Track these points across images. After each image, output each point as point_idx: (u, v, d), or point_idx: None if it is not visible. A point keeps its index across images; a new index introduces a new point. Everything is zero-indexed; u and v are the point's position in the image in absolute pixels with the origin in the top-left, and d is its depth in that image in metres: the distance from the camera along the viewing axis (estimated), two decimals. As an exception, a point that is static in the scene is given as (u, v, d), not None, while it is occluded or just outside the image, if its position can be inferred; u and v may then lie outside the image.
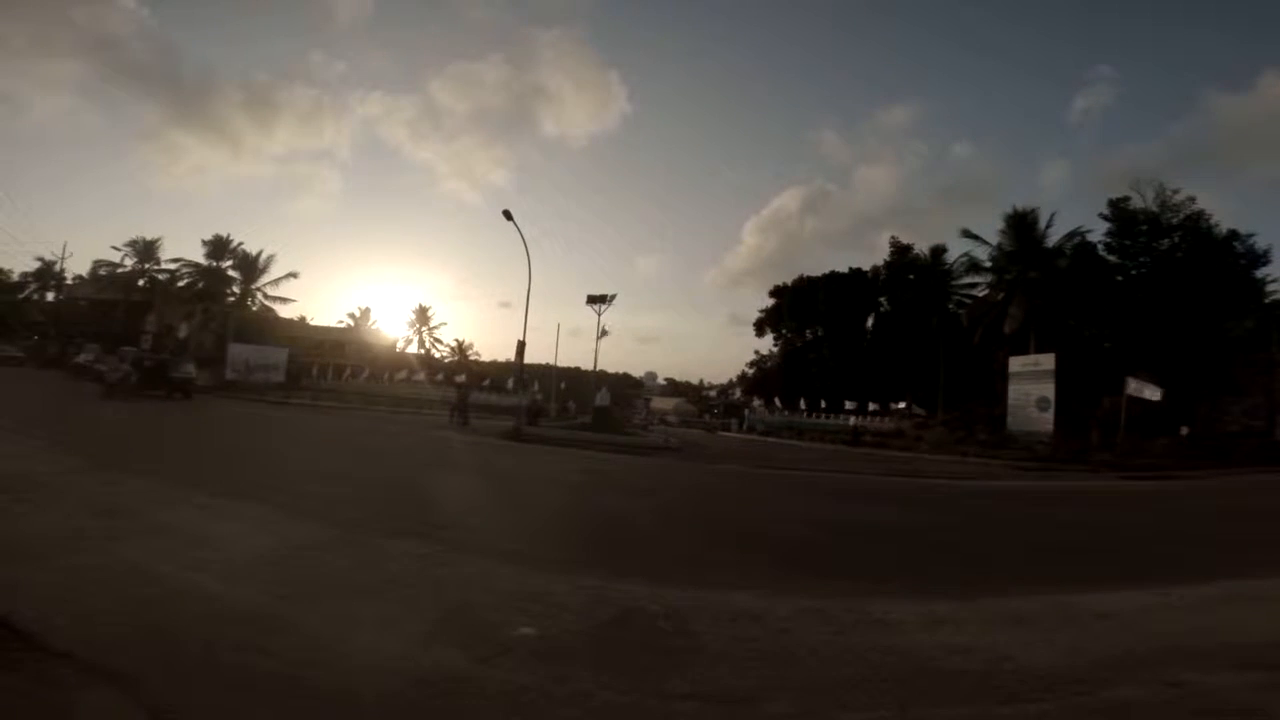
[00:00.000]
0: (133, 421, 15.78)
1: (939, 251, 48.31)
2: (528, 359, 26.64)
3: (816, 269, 71.23)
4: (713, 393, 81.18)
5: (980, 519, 11.00)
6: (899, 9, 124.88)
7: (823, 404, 47.79)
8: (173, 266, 53.33)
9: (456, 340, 74.17)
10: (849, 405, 45.14)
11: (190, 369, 26.24)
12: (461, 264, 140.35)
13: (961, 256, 43.84)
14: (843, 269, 56.63)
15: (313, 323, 59.60)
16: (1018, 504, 13.03)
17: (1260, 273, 34.03)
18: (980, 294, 42.76)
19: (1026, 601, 4.80)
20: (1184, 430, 26.73)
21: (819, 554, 7.10)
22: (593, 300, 31.49)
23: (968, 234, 40.27)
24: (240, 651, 3.07)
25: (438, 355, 69.65)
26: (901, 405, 45.35)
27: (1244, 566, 6.28)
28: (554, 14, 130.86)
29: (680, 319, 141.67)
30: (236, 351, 37.88)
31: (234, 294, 53.03)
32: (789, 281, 59.96)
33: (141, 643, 3.09)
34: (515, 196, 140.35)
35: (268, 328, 47.76)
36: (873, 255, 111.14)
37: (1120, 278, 36.01)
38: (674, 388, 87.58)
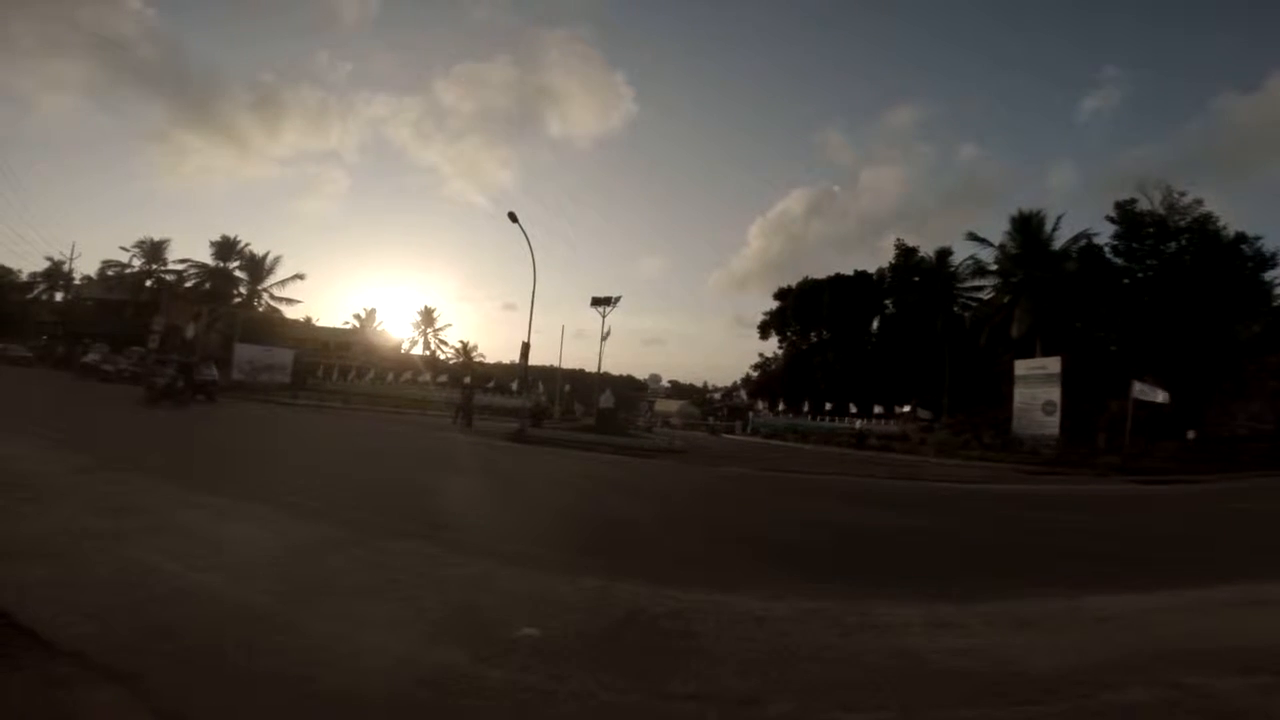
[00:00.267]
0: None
1: (944, 254, 48.32)
2: (532, 361, 26.71)
3: (821, 271, 71.11)
4: (717, 395, 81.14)
5: (984, 522, 10.96)
6: (905, 10, 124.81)
7: (827, 407, 47.67)
8: (180, 267, 53.87)
9: (461, 342, 74.42)
10: (853, 408, 45.06)
11: (213, 372, 26.34)
12: (466, 265, 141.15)
13: (967, 259, 43.86)
14: (848, 271, 56.64)
15: (318, 324, 59.93)
16: (1022, 507, 12.97)
17: (1268, 275, 33.93)
18: (986, 297, 42.69)
19: (1030, 604, 4.79)
20: (1191, 434, 26.59)
21: (822, 556, 7.09)
22: (597, 302, 31.48)
23: (973, 237, 40.29)
24: (246, 651, 3.09)
25: (442, 357, 69.83)
26: (906, 408, 45.23)
27: (1249, 570, 6.26)
28: (560, 15, 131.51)
29: (685, 321, 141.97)
30: (242, 352, 38.07)
31: (240, 295, 53.43)
32: (793, 284, 60.00)
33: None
34: (520, 198, 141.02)
35: (274, 328, 48.05)
36: (878, 258, 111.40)
37: (1127, 281, 35.87)
38: (678, 390, 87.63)
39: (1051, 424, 29.84)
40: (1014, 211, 38.06)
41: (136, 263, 52.82)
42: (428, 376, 47.67)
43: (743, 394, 67.82)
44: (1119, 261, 36.45)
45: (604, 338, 31.60)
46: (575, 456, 17.27)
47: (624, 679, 3.08)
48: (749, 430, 49.78)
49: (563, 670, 3.13)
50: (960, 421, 36.57)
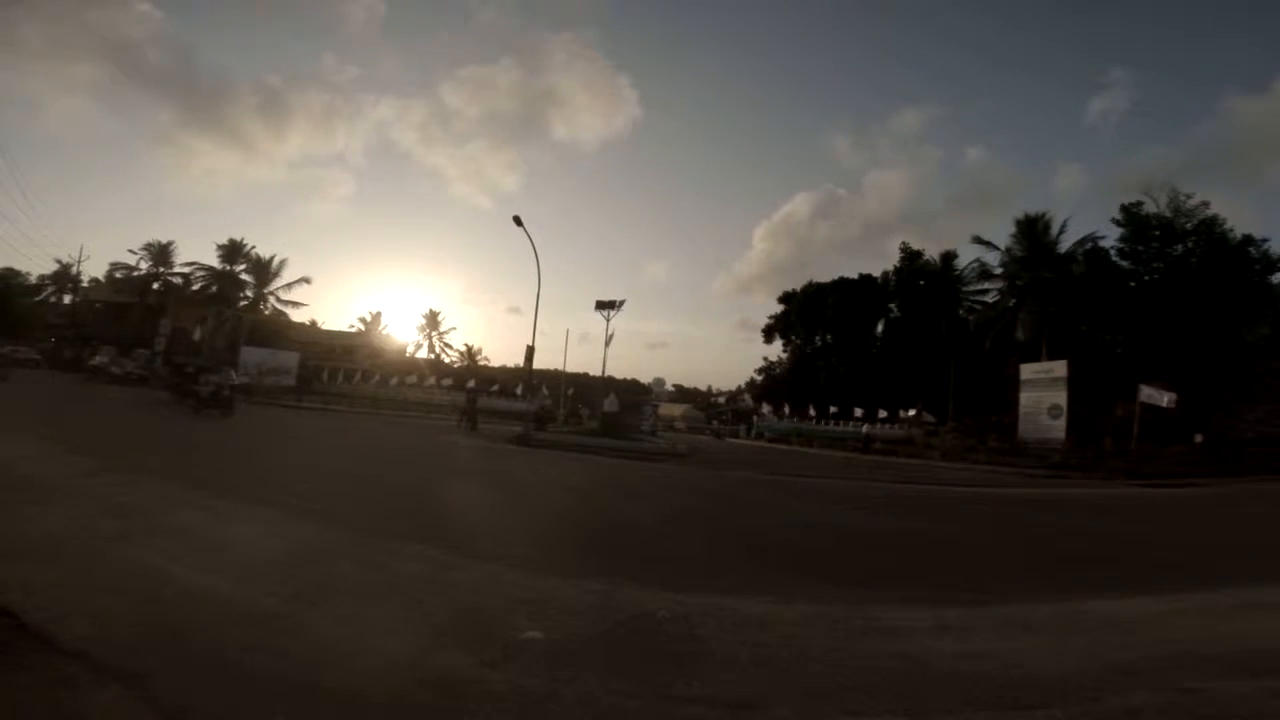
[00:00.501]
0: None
1: (950, 257, 48.21)
2: (537, 364, 26.74)
3: (827, 274, 71.20)
4: (721, 399, 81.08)
5: (988, 526, 10.93)
6: (911, 13, 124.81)
7: (832, 411, 47.59)
8: (186, 270, 54.14)
9: (466, 345, 74.56)
10: (858, 412, 44.94)
11: (232, 375, 26.18)
12: (471, 269, 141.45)
13: (973, 262, 43.75)
14: (853, 275, 56.48)
15: (324, 327, 60.13)
16: (1028, 511, 12.92)
17: (1276, 278, 33.72)
18: (991, 300, 42.57)
19: (1036, 608, 4.77)
20: (1198, 437, 26.43)
21: (826, 560, 7.07)
22: (602, 306, 31.54)
23: (979, 240, 40.19)
24: (250, 653, 3.10)
25: (447, 360, 69.96)
26: (911, 412, 45.09)
27: (1255, 574, 6.22)
28: (564, 18, 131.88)
29: (689, 325, 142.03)
30: (248, 355, 38.23)
31: (247, 298, 53.66)
32: (798, 288, 59.95)
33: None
34: (525, 201, 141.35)
35: (279, 331, 48.25)
36: (883, 261, 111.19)
37: (1133, 284, 35.73)
38: (682, 394, 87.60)
39: (1057, 428, 29.71)
40: (1020, 214, 38.06)
41: (144, 265, 53.22)
42: (432, 380, 47.71)
43: (747, 398, 67.72)
44: (1125, 264, 36.33)
45: (608, 341, 31.65)
46: (579, 460, 17.27)
47: (628, 682, 3.07)
48: (753, 434, 49.75)
49: (566, 673, 3.12)
50: (966, 425, 36.41)
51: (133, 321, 48.24)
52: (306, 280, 55.64)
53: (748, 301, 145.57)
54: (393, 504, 8.28)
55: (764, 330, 62.42)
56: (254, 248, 54.49)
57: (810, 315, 56.88)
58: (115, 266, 53.60)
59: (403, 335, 68.67)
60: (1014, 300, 37.53)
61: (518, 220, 23.54)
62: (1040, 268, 36.06)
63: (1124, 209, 36.35)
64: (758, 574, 5.85)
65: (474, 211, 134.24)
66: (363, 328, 64.49)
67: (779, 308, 61.10)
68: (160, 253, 53.41)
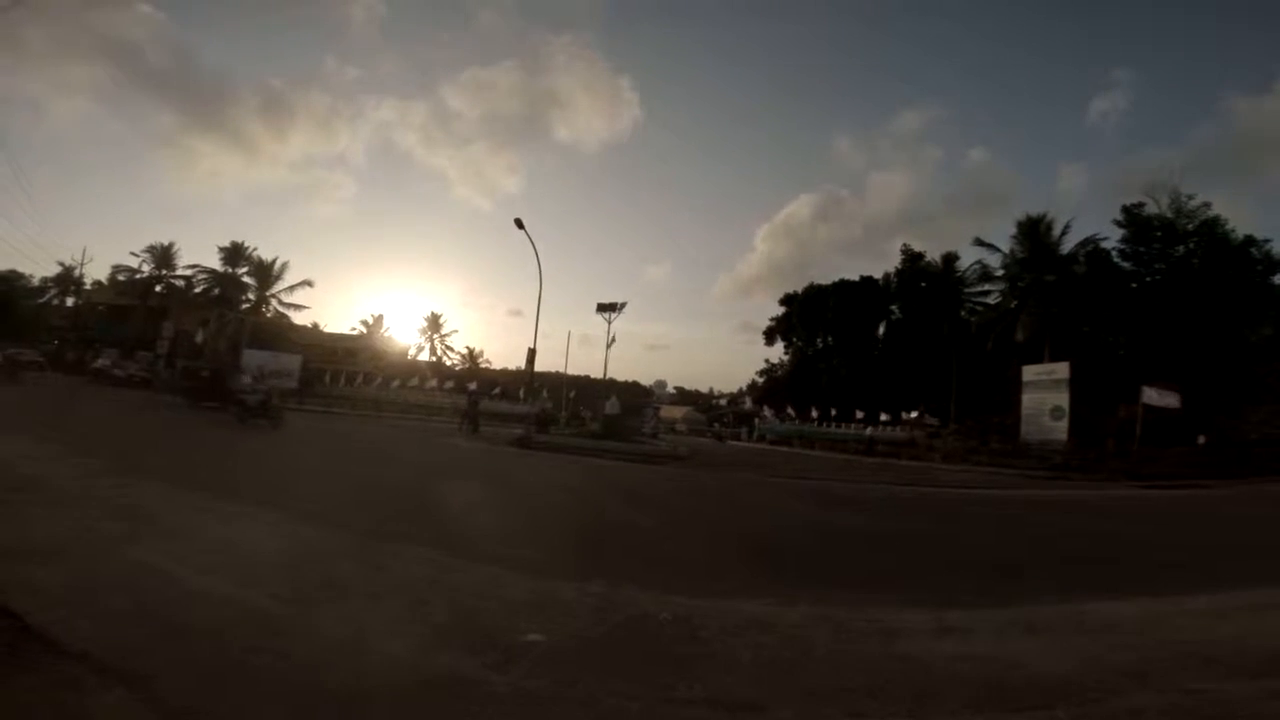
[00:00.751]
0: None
1: (951, 259, 48.18)
2: (538, 367, 26.79)
3: (828, 276, 71.25)
4: (723, 401, 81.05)
5: (991, 528, 10.91)
6: (912, 13, 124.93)
7: (834, 413, 47.53)
8: (189, 272, 54.21)
9: (467, 348, 74.59)
10: (860, 414, 44.90)
11: (247, 380, 25.96)
12: (472, 271, 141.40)
13: (974, 264, 43.75)
14: (854, 276, 56.49)
15: (326, 329, 60.19)
16: (1030, 513, 12.90)
17: (1278, 279, 33.67)
18: (993, 302, 42.57)
19: (1038, 610, 4.77)
20: (1202, 439, 26.37)
21: (828, 562, 7.07)
22: (603, 308, 31.60)
23: (980, 242, 40.23)
24: (254, 654, 3.11)
25: (449, 363, 69.99)
26: (913, 414, 45.06)
27: (1258, 575, 6.21)
28: (565, 20, 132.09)
29: (690, 327, 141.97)
30: (250, 358, 38.26)
31: (249, 300, 53.71)
32: (799, 290, 59.95)
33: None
34: (526, 203, 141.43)
35: (281, 334, 48.25)
36: (885, 262, 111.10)
37: (1135, 285, 35.72)
38: (683, 396, 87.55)
39: (1060, 429, 29.65)
40: (1022, 215, 38.03)
41: (146, 268, 53.24)
42: (434, 383, 47.73)
43: (748, 400, 67.68)
44: (1127, 265, 36.33)
45: (610, 344, 31.69)
46: (581, 463, 17.27)
47: (629, 684, 3.08)
48: (755, 436, 49.66)
49: (568, 675, 3.13)
50: (968, 427, 36.37)
51: (135, 324, 48.32)
52: (309, 283, 55.73)
53: (749, 303, 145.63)
54: (395, 506, 8.28)
55: (765, 332, 62.45)
56: (255, 250, 54.61)
57: (811, 317, 56.88)
58: (118, 269, 53.70)
59: (404, 338, 68.78)
60: (1016, 302, 37.51)
61: (519, 223, 23.62)
62: (1042, 269, 36.04)
63: (1125, 210, 36.38)
64: (759, 576, 5.84)
65: (475, 214, 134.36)
66: (365, 330, 64.58)
67: (780, 310, 61.14)
68: (162, 255, 53.47)
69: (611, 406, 29.03)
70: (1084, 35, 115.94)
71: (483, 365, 72.23)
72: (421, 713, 2.73)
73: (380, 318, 66.71)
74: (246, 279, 54.47)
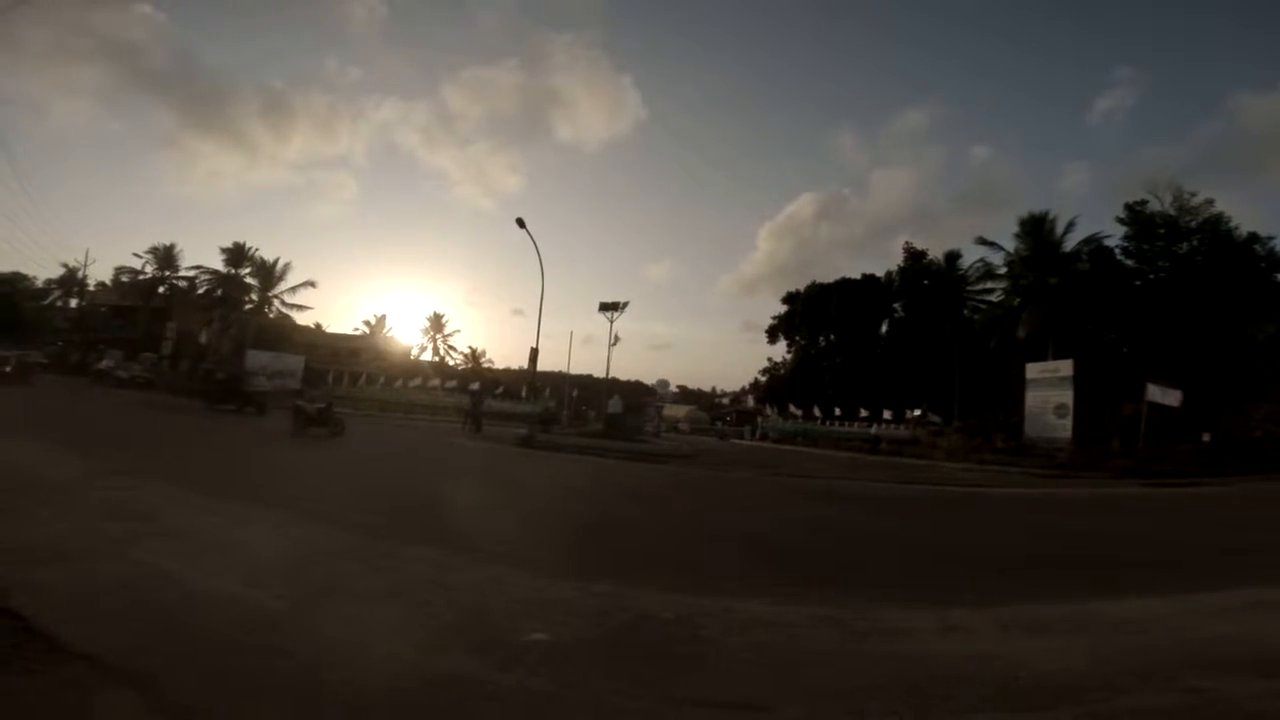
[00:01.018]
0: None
1: (953, 257, 48.09)
2: (540, 366, 26.82)
3: (831, 275, 71.11)
4: (725, 400, 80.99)
5: (996, 526, 10.89)
6: (914, 11, 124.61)
7: (837, 411, 47.45)
8: (191, 273, 54.36)
9: (470, 347, 74.65)
10: (863, 413, 44.83)
11: (263, 382, 25.81)
12: (475, 271, 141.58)
13: (977, 262, 43.65)
14: (857, 275, 56.34)
15: (328, 330, 60.30)
16: (1034, 512, 12.86)
17: (1282, 276, 33.55)
18: (996, 299, 42.47)
19: (1043, 609, 4.75)
20: (1206, 436, 26.29)
21: (831, 561, 7.06)
22: (605, 307, 31.60)
23: (982, 241, 40.13)
24: (258, 654, 3.11)
25: (451, 363, 70.04)
26: (916, 413, 44.93)
27: (1265, 573, 6.19)
28: (566, 18, 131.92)
29: (693, 326, 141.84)
30: (254, 359, 38.35)
31: (252, 301, 53.82)
32: (802, 288, 59.85)
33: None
34: (528, 202, 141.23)
35: (284, 335, 48.39)
36: (887, 261, 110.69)
37: (1139, 282, 35.61)
38: (686, 395, 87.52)
39: (1064, 427, 29.56)
40: (1025, 213, 37.93)
41: (149, 269, 53.42)
42: (437, 382, 47.77)
43: (751, 399, 67.62)
44: (1130, 263, 36.21)
45: (612, 343, 31.68)
46: (584, 462, 17.28)
47: (632, 684, 3.08)
48: (758, 435, 49.58)
49: (571, 675, 3.13)
50: (971, 425, 36.24)
51: (139, 325, 48.50)
52: (311, 284, 55.82)
53: (751, 302, 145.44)
54: (397, 506, 8.29)
55: (768, 331, 62.32)
56: (258, 250, 54.70)
57: (814, 316, 56.79)
58: (121, 270, 53.89)
59: (407, 338, 68.89)
60: (1019, 299, 37.41)
61: (520, 222, 23.66)
62: (1045, 267, 35.94)
63: (1128, 208, 36.26)
64: (762, 575, 5.84)
65: (477, 213, 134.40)
66: (367, 331, 64.68)
67: (783, 308, 61.02)
68: (165, 256, 53.65)
69: (614, 406, 29.03)
70: (1087, 32, 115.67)
71: (485, 365, 72.24)
72: (424, 711, 2.73)
73: (383, 318, 66.87)
74: (249, 280, 54.57)
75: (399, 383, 45.32)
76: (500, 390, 46.72)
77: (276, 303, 55.17)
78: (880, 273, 55.48)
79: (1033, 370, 32.09)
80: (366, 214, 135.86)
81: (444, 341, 71.37)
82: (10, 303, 49.49)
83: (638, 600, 4.48)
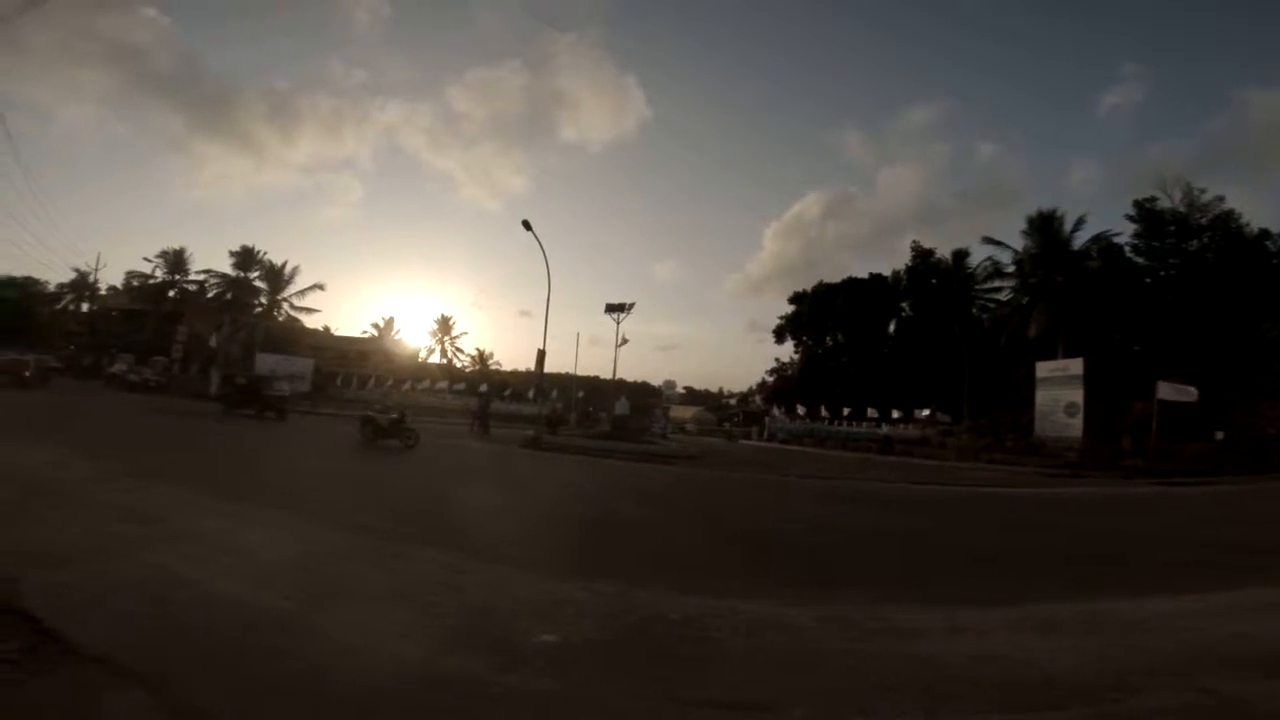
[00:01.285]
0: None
1: (961, 255, 47.77)
2: (547, 368, 26.82)
3: (838, 274, 70.86)
4: (732, 401, 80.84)
5: (1006, 526, 10.82)
6: (919, 9, 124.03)
7: (845, 411, 47.28)
8: (201, 277, 54.79)
9: (477, 349, 74.79)
10: (872, 413, 44.65)
11: (284, 386, 25.71)
12: (482, 272, 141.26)
13: (985, 260, 43.43)
14: (864, 274, 56.06)
15: (337, 332, 60.55)
16: (1044, 511, 12.79)
17: (1295, 272, 33.17)
18: (1004, 298, 42.21)
19: (1054, 609, 4.72)
20: (1219, 435, 26.05)
21: (839, 561, 7.03)
22: (611, 308, 31.58)
23: (990, 240, 39.97)
24: (267, 655, 3.13)
25: (459, 365, 70.23)
26: (925, 412, 44.71)
27: (1277, 573, 6.12)
28: (569, 18, 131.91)
29: (699, 326, 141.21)
30: (264, 362, 38.61)
31: (261, 304, 54.19)
32: (809, 288, 59.69)
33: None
34: (534, 204, 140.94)
35: (294, 338, 48.66)
36: (895, 260, 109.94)
37: (1149, 280, 35.32)
38: (693, 396, 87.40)
39: (1074, 426, 29.37)
40: (1033, 211, 37.70)
41: (159, 273, 53.86)
42: (445, 384, 47.95)
43: (758, 399, 67.49)
44: (1140, 261, 35.92)
45: (619, 344, 31.66)
46: (591, 463, 17.30)
47: (640, 685, 3.08)
48: (766, 436, 49.49)
49: (579, 676, 3.13)
50: (981, 425, 36.10)
51: (149, 329, 48.87)
52: (320, 286, 56.16)
53: (758, 302, 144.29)
54: (406, 507, 8.33)
55: (775, 331, 62.10)
56: (266, 254, 55.07)
57: (821, 315, 56.60)
58: (132, 275, 54.33)
59: (415, 340, 69.06)
60: (1028, 298, 37.18)
61: (527, 225, 23.64)
62: (1054, 265, 35.70)
63: (1138, 204, 35.99)
64: (770, 576, 5.83)
65: (483, 215, 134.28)
66: (376, 333, 64.94)
67: (789, 308, 60.79)
68: (175, 260, 54.10)
69: (621, 407, 29.09)
70: (1094, 29, 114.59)
71: (493, 367, 72.39)
72: (432, 712, 2.73)
73: (391, 320, 67.06)
74: (258, 283, 54.97)
75: (407, 385, 45.54)
76: (508, 392, 46.89)
77: (285, 306, 55.56)
78: (887, 272, 55.21)
79: (1043, 369, 31.90)
80: (373, 217, 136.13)
81: (452, 344, 71.56)
82: (24, 307, 49.95)
83: (645, 601, 4.48)
